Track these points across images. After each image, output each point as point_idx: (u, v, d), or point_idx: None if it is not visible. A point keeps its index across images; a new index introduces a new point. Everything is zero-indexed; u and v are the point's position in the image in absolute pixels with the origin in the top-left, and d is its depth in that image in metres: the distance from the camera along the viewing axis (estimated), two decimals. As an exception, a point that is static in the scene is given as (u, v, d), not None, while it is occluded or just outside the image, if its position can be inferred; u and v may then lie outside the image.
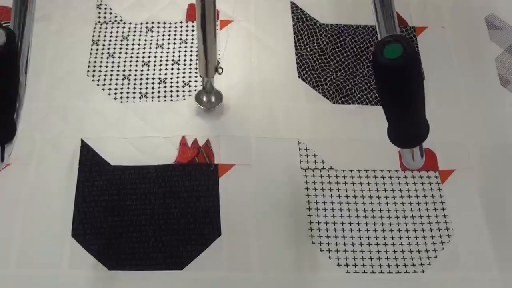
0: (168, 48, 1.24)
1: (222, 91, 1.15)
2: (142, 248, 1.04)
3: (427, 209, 1.09)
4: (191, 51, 1.23)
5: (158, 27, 1.26)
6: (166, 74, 1.21)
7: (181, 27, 1.26)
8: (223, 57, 1.20)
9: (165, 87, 1.19)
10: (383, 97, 0.71)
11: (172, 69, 1.21)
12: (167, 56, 1.23)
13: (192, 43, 1.24)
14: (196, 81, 1.19)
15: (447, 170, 1.12)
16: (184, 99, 1.18)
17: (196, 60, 1.22)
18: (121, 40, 1.24)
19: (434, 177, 1.11)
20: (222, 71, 1.06)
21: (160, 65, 1.22)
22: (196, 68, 1.21)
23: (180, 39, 1.24)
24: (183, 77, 1.20)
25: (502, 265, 1.04)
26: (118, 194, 1.08)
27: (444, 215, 1.08)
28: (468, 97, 1.21)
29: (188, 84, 1.19)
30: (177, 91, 1.18)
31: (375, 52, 0.67)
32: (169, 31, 1.26)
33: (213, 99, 1.15)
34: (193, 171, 1.10)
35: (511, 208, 1.10)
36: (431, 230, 1.07)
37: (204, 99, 1.15)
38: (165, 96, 1.18)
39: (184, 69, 1.21)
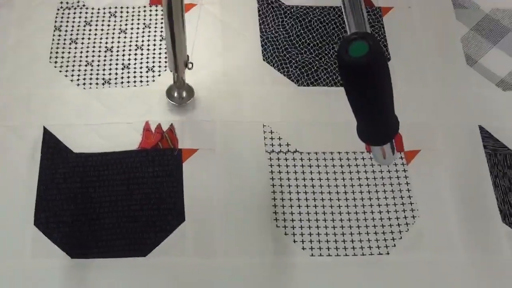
0: (132, 33, 1.22)
1: (186, 75, 1.14)
2: (105, 235, 1.03)
3: (392, 191, 1.08)
4: (155, 36, 1.22)
5: (122, 12, 1.25)
6: (129, 59, 1.19)
7: (145, 11, 1.25)
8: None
9: (128, 72, 1.18)
10: (349, 96, 0.69)
11: (136, 54, 1.20)
12: (131, 41, 1.21)
13: (156, 27, 1.23)
14: (160, 66, 1.18)
15: (412, 151, 1.12)
16: (147, 84, 1.16)
17: (160, 45, 1.21)
18: (84, 26, 1.23)
19: (399, 158, 1.11)
20: (192, 66, 1.04)
21: (124, 50, 1.20)
22: (160, 53, 1.20)
23: (144, 23, 1.23)
24: (147, 62, 1.19)
25: (467, 246, 1.04)
26: (81, 182, 1.07)
27: (409, 196, 1.08)
28: (434, 77, 1.20)
29: (152, 69, 1.18)
30: (141, 76, 1.17)
31: (340, 50, 0.65)
32: (133, 15, 1.24)
33: (184, 94, 1.13)
34: (157, 157, 1.09)
35: (476, 188, 1.09)
36: (396, 211, 1.07)
37: (175, 94, 1.13)
38: (128, 82, 1.17)
39: (147, 54, 1.20)
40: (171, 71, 1.06)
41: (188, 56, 1.03)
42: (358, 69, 0.65)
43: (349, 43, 0.65)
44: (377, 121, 0.73)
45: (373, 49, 0.64)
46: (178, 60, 1.01)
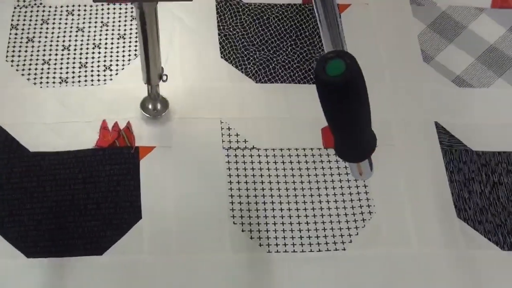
0: (89, 31, 1.22)
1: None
2: (62, 234, 1.02)
3: (349, 187, 1.09)
4: (112, 34, 1.21)
5: (79, 10, 1.24)
6: (87, 58, 1.19)
7: (102, 10, 1.24)
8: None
9: (85, 71, 1.17)
10: (327, 114, 0.69)
11: (93, 53, 1.19)
12: (88, 40, 1.21)
13: (113, 26, 1.22)
14: (117, 65, 1.18)
15: (368, 147, 1.12)
16: (105, 83, 1.16)
17: (118, 43, 1.20)
18: (41, 24, 1.22)
19: (356, 154, 1.11)
20: (167, 78, 1.04)
21: (81, 49, 1.20)
22: (117, 52, 1.19)
23: (102, 22, 1.23)
24: (104, 61, 1.18)
25: (422, 241, 1.05)
26: (38, 181, 1.06)
27: (366, 192, 1.09)
28: (391, 73, 1.21)
29: (109, 68, 1.17)
30: (98, 75, 1.17)
31: (317, 68, 0.65)
32: (90, 14, 1.24)
33: (159, 106, 1.13)
34: (114, 155, 1.09)
35: (432, 184, 1.10)
36: (352, 207, 1.07)
37: (150, 106, 1.12)
38: (85, 81, 1.16)
39: (105, 53, 1.19)
40: (145, 84, 1.05)
41: (162, 68, 1.02)
42: (336, 88, 0.65)
43: (326, 61, 0.65)
44: (354, 139, 0.73)
45: (350, 68, 0.64)
46: (152, 73, 1.00)
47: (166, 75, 1.03)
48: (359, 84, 0.66)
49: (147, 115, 1.12)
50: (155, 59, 0.98)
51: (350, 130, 0.70)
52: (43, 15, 1.23)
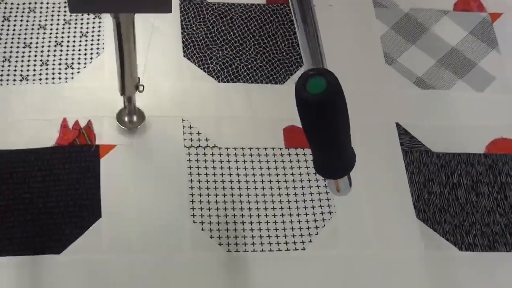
0: (51, 29, 1.21)
1: (105, 70, 1.13)
2: (20, 232, 1.02)
3: (309, 187, 1.09)
4: (75, 32, 1.21)
5: (41, 7, 1.23)
6: (48, 56, 1.18)
7: (65, 7, 1.23)
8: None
9: (47, 69, 1.16)
10: (307, 132, 0.69)
11: (55, 51, 1.19)
12: (50, 37, 1.20)
13: (75, 23, 1.21)
14: (79, 63, 1.17)
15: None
16: (66, 81, 1.15)
17: (80, 41, 1.20)
18: (2, 21, 1.21)
19: (310, 155, 1.12)
20: (143, 88, 1.03)
21: (43, 46, 1.19)
22: (79, 50, 1.19)
23: (64, 19, 1.22)
24: (66, 59, 1.18)
25: (382, 241, 1.06)
26: (-5, 179, 1.05)
27: (326, 192, 1.09)
28: (353, 74, 1.22)
29: (71, 66, 1.17)
30: (60, 73, 1.16)
31: (298, 86, 0.64)
32: (52, 11, 1.23)
33: (135, 118, 1.11)
34: (74, 153, 1.08)
35: (392, 185, 1.11)
36: (313, 207, 1.08)
37: (126, 119, 1.11)
38: (47, 79, 1.15)
39: (67, 51, 1.19)
40: (120, 95, 1.04)
41: (139, 78, 1.01)
42: (316, 106, 0.65)
43: (307, 79, 0.64)
44: (334, 156, 0.73)
45: (331, 86, 0.64)
46: (128, 83, 0.99)
47: (143, 85, 1.02)
48: (340, 102, 0.66)
49: (123, 127, 1.10)
50: (131, 70, 0.97)
51: (330, 147, 0.70)
52: (4, 12, 1.22)
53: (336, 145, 0.71)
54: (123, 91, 1.02)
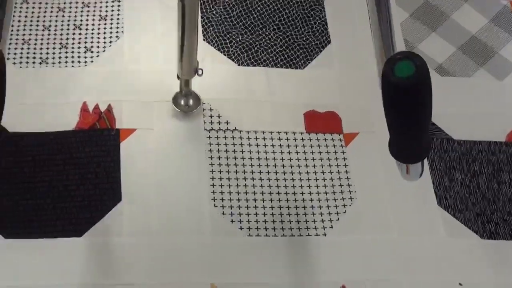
0: (70, 12, 1.20)
1: (124, 54, 1.12)
2: (40, 215, 1.01)
3: (330, 172, 1.09)
4: (94, 15, 1.20)
5: (60, -11, 1.22)
6: (67, 39, 1.17)
7: (84, -11, 1.23)
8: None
9: (66, 52, 1.16)
10: (391, 115, 0.68)
11: (74, 34, 1.18)
12: (69, 20, 1.19)
13: (94, 6, 1.21)
14: (98, 47, 1.16)
15: (351, 133, 1.12)
16: (85, 65, 1.15)
17: (99, 25, 1.19)
18: (21, 3, 1.20)
19: (338, 140, 1.11)
20: (202, 72, 1.02)
21: (62, 29, 1.18)
22: (99, 34, 1.18)
23: (83, 2, 1.21)
24: (85, 42, 1.17)
25: (402, 227, 1.05)
26: (15, 162, 1.04)
27: (348, 178, 1.08)
28: (373, 61, 1.20)
29: (90, 50, 1.16)
30: (79, 57, 1.16)
31: (386, 71, 0.64)
32: (71, -6, 1.22)
33: (191, 102, 1.11)
34: (94, 137, 1.08)
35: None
36: (334, 193, 1.07)
37: (182, 102, 1.11)
38: (66, 62, 1.15)
39: (86, 34, 1.18)
40: (178, 78, 1.04)
41: (197, 61, 1.01)
42: (405, 89, 0.64)
43: (394, 62, 0.64)
44: (414, 140, 0.72)
45: (420, 70, 0.63)
46: (187, 67, 0.99)
47: (202, 69, 1.02)
48: (428, 85, 0.65)
49: (179, 110, 1.10)
50: (192, 53, 0.96)
51: (412, 131, 0.70)
52: (23, -5, 1.21)
53: (419, 129, 0.70)
54: (183, 74, 1.01)
